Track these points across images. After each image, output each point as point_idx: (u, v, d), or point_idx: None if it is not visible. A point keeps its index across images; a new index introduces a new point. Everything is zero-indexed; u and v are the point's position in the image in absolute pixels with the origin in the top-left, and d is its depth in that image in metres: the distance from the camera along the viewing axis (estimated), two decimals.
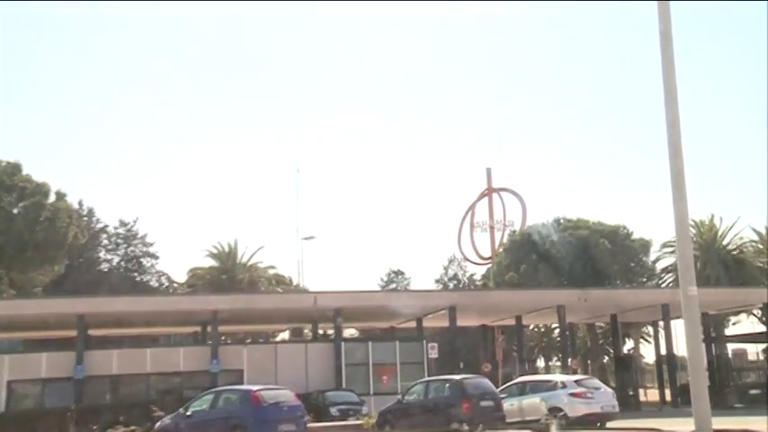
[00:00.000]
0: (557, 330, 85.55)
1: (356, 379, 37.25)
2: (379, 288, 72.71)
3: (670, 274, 55.95)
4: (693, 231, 56.07)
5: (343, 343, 37.75)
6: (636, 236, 55.89)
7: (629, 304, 41.99)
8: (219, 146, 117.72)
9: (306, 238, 54.52)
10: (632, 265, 55.70)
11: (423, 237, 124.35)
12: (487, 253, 66.89)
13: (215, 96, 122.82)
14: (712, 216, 57.21)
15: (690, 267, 15.22)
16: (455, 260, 78.30)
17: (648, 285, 55.14)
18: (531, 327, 73.96)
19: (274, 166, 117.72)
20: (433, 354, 38.00)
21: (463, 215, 71.61)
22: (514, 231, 60.65)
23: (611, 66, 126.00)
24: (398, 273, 79.68)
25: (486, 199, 72.14)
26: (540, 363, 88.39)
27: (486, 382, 24.40)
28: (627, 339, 72.01)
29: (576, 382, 25.16)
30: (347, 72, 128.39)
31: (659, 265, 57.39)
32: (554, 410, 24.25)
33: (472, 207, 71.63)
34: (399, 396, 25.12)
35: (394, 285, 77.48)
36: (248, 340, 48.10)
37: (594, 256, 54.00)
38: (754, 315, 54.04)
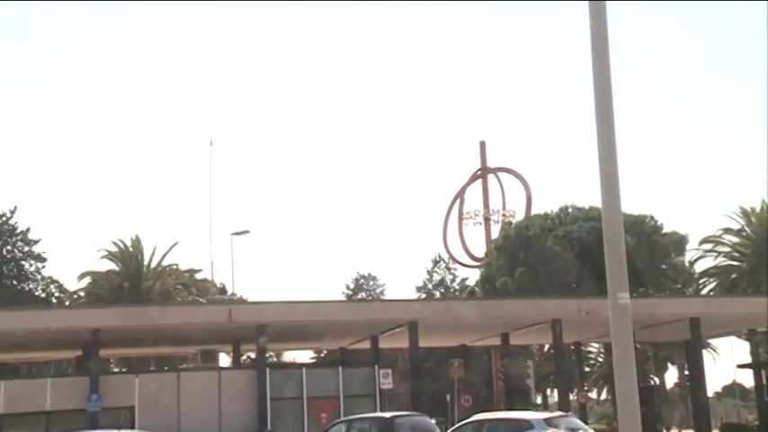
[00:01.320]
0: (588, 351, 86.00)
1: (286, 417, 37.07)
2: (344, 297, 72.72)
3: (712, 279, 55.86)
4: (742, 221, 55.96)
5: (268, 370, 37.39)
6: (667, 229, 55.68)
7: (647, 318, 41.61)
8: (122, 121, 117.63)
9: (237, 234, 54.18)
10: (663, 267, 55.49)
11: (401, 233, 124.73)
12: (481, 251, 66.60)
13: (115, 64, 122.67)
14: None
15: (621, 267, 14.90)
16: (441, 262, 78.20)
17: (686, 293, 54.98)
18: (546, 348, 73.94)
19: (192, 142, 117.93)
20: (386, 383, 37.75)
21: (450, 203, 71.22)
22: (510, 223, 60.29)
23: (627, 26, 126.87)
24: (369, 278, 79.58)
25: (479, 182, 71.80)
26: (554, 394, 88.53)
27: (427, 422, 24.12)
28: (669, 365, 72.15)
29: (546, 421, 24.80)
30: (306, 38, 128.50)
31: (698, 268, 57.37)
32: None
33: (461, 193, 71.14)
34: None
35: (362, 294, 77.40)
36: (152, 368, 47.79)
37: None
38: None
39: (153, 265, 55.01)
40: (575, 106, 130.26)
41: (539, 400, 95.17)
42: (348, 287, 79.09)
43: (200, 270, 62.00)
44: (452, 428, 26.63)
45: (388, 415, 23.94)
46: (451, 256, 71.99)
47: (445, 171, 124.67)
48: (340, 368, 38.98)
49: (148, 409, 35.23)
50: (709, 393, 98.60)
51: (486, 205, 70.42)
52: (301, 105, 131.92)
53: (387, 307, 38.59)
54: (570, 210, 57.57)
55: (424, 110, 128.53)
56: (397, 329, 39.33)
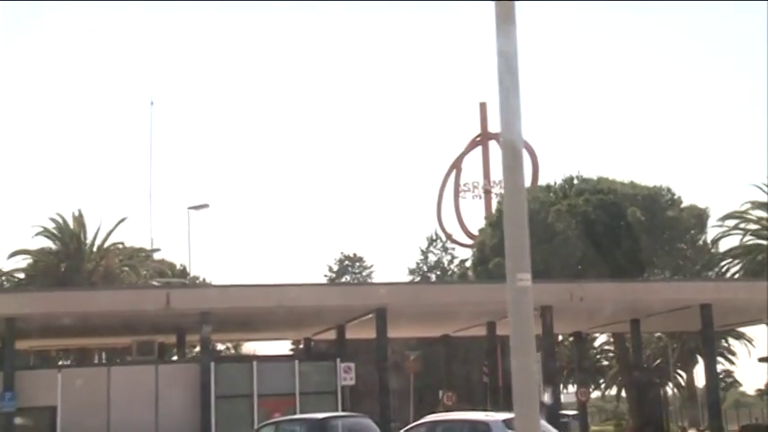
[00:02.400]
0: (598, 342, 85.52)
1: (233, 417, 36.48)
2: (327, 281, 72.11)
3: (737, 261, 54.98)
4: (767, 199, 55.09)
5: (213, 364, 36.71)
6: (685, 203, 54.78)
7: (652, 305, 40.89)
8: (59, 86, 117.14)
9: (195, 208, 53.47)
10: (681, 246, 54.64)
11: (392, 209, 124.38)
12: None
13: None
14: None
15: (522, 244, 14.18)
16: (438, 240, 77.58)
17: (708, 277, 54.09)
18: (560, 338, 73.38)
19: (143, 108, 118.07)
20: (348, 379, 37.15)
21: (445, 174, 70.60)
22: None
23: None
24: (354, 259, 78.97)
25: (478, 150, 71.15)
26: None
27: (365, 423, 23.48)
28: (699, 357, 71.33)
29: (505, 422, 24.08)
30: None
31: (721, 247, 56.43)
32: None
33: (458, 162, 70.64)
34: None
35: (347, 277, 76.80)
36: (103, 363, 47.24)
37: (622, 232, 52.87)
38: None
39: (98, 243, 54.40)
40: (583, 66, 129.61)
41: (546, 398, 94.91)
42: (331, 269, 78.64)
43: (158, 250, 61.49)
44: (403, 430, 26.03)
45: (320, 416, 23.32)
46: (446, 234, 71.57)
47: (441, 137, 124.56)
48: (296, 362, 38.32)
49: (73, 409, 34.66)
50: (750, 391, 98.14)
51: (487, 176, 69.99)
52: (277, 68, 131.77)
53: (350, 292, 37.81)
54: (576, 181, 56.61)
55: (417, 69, 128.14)
56: (365, 317, 38.69)
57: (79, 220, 54.19)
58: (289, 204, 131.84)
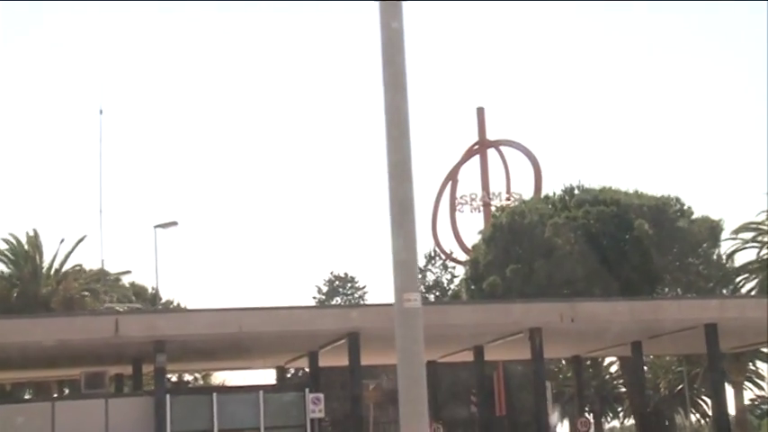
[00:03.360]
0: (614, 367, 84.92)
1: None
2: (316, 303, 71.70)
3: (753, 276, 54.50)
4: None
5: (168, 397, 36.33)
6: (696, 215, 54.36)
7: (653, 325, 40.41)
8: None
9: (162, 226, 53.21)
10: (693, 260, 54.18)
11: (386, 225, 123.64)
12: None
13: None
14: None
15: (410, 265, 14.10)
16: (437, 258, 77.12)
17: (719, 293, 53.63)
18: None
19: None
20: (317, 411, 36.74)
21: (440, 186, 70.09)
22: (502, 210, 59.09)
23: None
24: (346, 279, 78.60)
25: (476, 159, 70.55)
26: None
27: None
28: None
29: None
30: None
31: (736, 262, 55.96)
32: None
33: (454, 173, 70.02)
34: None
35: (338, 299, 76.46)
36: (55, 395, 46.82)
37: (628, 246, 52.43)
38: None
39: (55, 266, 54.10)
40: (588, 70, 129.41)
41: (562, 428, 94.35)
42: (320, 291, 78.28)
43: (128, 272, 61.16)
44: None
45: None
46: (442, 251, 71.05)
47: (436, 146, 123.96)
48: (261, 393, 37.89)
49: None
50: None
51: (486, 187, 69.27)
52: (255, 75, 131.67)
53: (318, 316, 37.40)
54: (577, 191, 56.20)
55: (413, 74, 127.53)
56: (338, 343, 38.30)
57: (34, 240, 53.85)
58: (274, 222, 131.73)
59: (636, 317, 39.40)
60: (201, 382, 53.95)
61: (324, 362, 42.30)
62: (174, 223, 53.24)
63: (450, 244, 70.06)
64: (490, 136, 70.08)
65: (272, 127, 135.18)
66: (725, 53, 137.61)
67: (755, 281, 54.25)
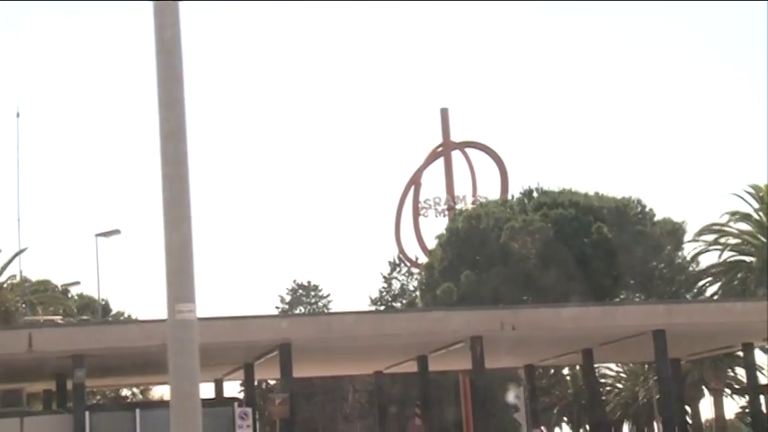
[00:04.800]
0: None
1: None
2: (278, 312, 70.97)
3: (716, 279, 53.88)
4: (756, 203, 53.97)
5: (87, 414, 35.52)
6: (658, 217, 53.75)
7: (597, 332, 39.68)
8: None
9: (103, 234, 52.43)
10: (655, 264, 53.54)
11: (351, 232, 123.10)
12: None
13: None
14: None
15: (185, 274, 13.33)
16: (401, 265, 76.43)
17: (685, 297, 52.98)
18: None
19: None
20: (245, 427, 35.97)
21: (403, 191, 69.47)
22: (460, 213, 58.38)
23: None
24: (309, 288, 78.00)
25: (439, 162, 69.90)
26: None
27: None
28: (705, 390, 69.87)
29: None
30: None
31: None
32: None
33: (416, 177, 69.44)
34: None
35: (301, 308, 75.84)
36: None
37: (588, 250, 51.69)
38: None
39: None
40: (548, 72, 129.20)
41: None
42: (283, 300, 77.70)
43: (77, 283, 60.29)
44: None
45: None
46: (406, 257, 70.31)
47: (399, 150, 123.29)
48: None
49: None
50: None
51: (450, 190, 68.63)
52: (211, 73, 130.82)
53: (244, 326, 36.42)
54: (535, 194, 55.51)
55: (371, 75, 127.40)
56: (271, 355, 37.59)
57: None
58: (237, 230, 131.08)
59: (580, 324, 38.66)
60: (141, 397, 53.13)
61: (261, 374, 41.62)
62: (117, 231, 52.48)
63: (414, 250, 69.45)
64: (454, 137, 69.53)
65: (231, 129, 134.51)
66: (685, 52, 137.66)
67: (718, 284, 53.52)
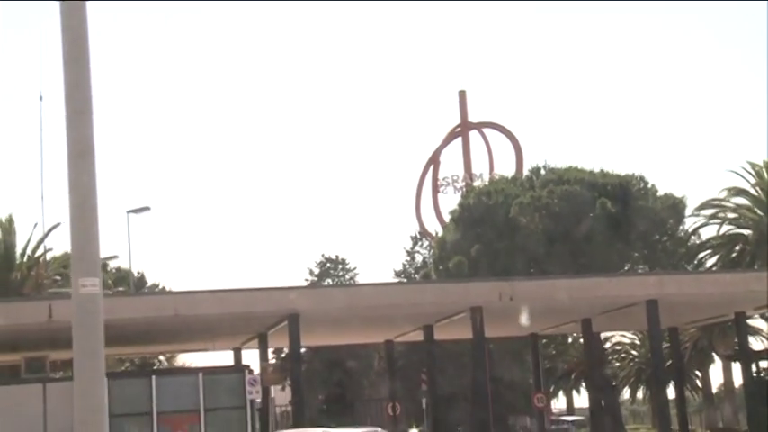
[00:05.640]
0: (609, 343, 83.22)
1: None
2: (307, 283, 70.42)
3: (712, 252, 52.80)
4: (753, 179, 52.75)
5: (106, 380, 34.88)
6: (660, 193, 52.54)
7: (593, 302, 38.81)
8: None
9: (134, 211, 51.95)
10: (657, 237, 52.44)
11: (377, 207, 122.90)
12: None
13: None
14: None
15: (90, 249, 12.80)
16: (424, 239, 75.63)
17: (686, 269, 51.87)
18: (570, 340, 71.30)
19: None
20: (254, 393, 35.35)
21: (423, 169, 68.92)
22: (472, 190, 57.54)
23: None
24: (337, 261, 77.33)
25: (458, 142, 69.23)
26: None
27: None
28: (715, 356, 68.74)
29: None
30: None
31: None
32: None
33: (435, 156, 68.97)
34: None
35: (329, 280, 75.17)
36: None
37: (593, 224, 50.63)
38: None
39: (28, 252, 52.75)
40: (560, 57, 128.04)
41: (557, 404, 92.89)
42: (312, 273, 77.08)
43: (115, 257, 59.78)
44: None
45: None
46: (426, 232, 69.67)
47: (419, 130, 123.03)
48: (200, 375, 36.58)
49: None
50: None
51: (468, 168, 68.07)
52: (244, 54, 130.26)
53: (255, 298, 35.88)
54: (543, 172, 54.53)
55: (390, 60, 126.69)
56: (282, 324, 37.04)
57: (8, 226, 52.53)
58: (265, 206, 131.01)
59: (575, 294, 37.83)
60: (167, 365, 52.69)
61: (273, 343, 41.08)
62: (147, 208, 51.98)
63: (434, 225, 68.87)
64: (472, 118, 68.92)
65: (261, 111, 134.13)
66: (688, 32, 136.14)
67: (716, 257, 52.43)
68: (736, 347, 71.56)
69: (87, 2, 12.73)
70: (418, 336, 43.20)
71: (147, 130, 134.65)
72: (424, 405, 57.29)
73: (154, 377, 36.39)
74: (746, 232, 52.21)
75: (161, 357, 53.54)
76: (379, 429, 24.56)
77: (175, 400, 35.65)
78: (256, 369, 41.55)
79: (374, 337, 46.02)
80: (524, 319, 38.16)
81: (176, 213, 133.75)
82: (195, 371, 37.97)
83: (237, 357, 43.84)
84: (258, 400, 36.19)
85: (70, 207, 12.44)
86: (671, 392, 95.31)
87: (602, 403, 46.40)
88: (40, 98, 42.38)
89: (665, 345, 74.50)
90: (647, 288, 38.15)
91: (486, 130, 68.65)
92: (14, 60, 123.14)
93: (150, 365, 51.72)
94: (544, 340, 60.39)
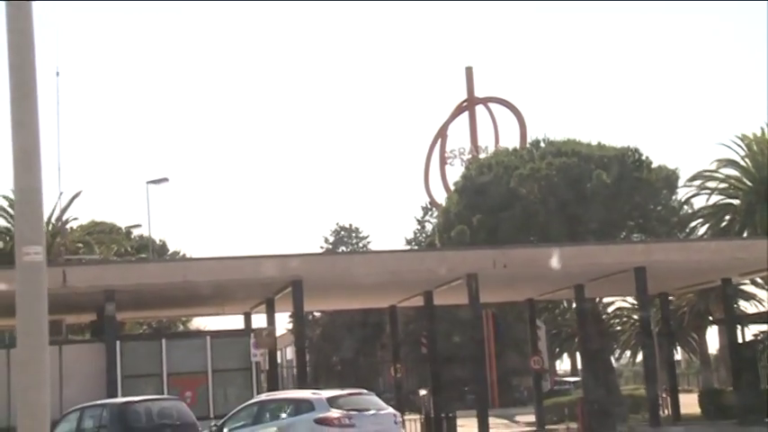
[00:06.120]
0: (611, 309, 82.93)
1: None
2: (323, 251, 70.48)
3: (703, 221, 52.43)
4: (743, 151, 52.30)
5: (119, 343, 35.23)
6: (654, 165, 52.02)
7: (590, 269, 38.68)
8: None
9: (154, 182, 52.10)
10: (651, 207, 52.01)
11: (389, 178, 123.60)
12: None
13: None
14: None
15: (34, 216, 12.61)
16: (432, 209, 75.55)
17: (678, 237, 51.51)
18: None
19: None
20: (258, 355, 35.50)
21: (431, 143, 68.63)
22: (475, 162, 57.26)
23: None
24: (350, 230, 77.41)
25: (465, 116, 68.90)
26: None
27: (176, 407, 21.96)
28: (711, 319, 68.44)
29: (329, 399, 22.42)
30: None
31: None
32: None
33: (443, 130, 68.73)
34: None
35: (343, 248, 75.24)
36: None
37: (588, 195, 50.30)
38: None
39: (53, 221, 52.93)
40: (572, 31, 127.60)
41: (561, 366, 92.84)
42: (327, 241, 77.20)
43: (138, 225, 59.97)
44: (235, 410, 24.58)
45: (120, 401, 21.73)
46: (435, 203, 69.48)
47: (430, 104, 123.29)
48: (208, 338, 36.80)
49: None
50: None
51: (474, 141, 67.85)
52: (262, 32, 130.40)
53: (260, 264, 35.83)
54: (542, 144, 54.17)
55: (406, 38, 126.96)
56: (286, 290, 37.09)
57: None
58: (284, 178, 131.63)
59: (566, 262, 37.66)
60: (182, 328, 52.79)
61: (280, 308, 41.13)
62: (166, 179, 52.15)
63: (442, 196, 68.58)
64: (478, 93, 68.62)
65: (279, 89, 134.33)
66: (680, 11, 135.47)
67: (707, 225, 52.13)
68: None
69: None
70: (419, 301, 43.16)
71: (167, 105, 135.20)
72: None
73: (164, 340, 36.68)
74: (736, 202, 51.87)
75: (179, 321, 53.63)
76: (365, 391, 24.48)
77: (184, 361, 35.97)
78: None
79: (378, 302, 46.05)
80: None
81: (199, 185, 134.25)
82: (203, 334, 38.26)
83: (248, 321, 43.85)
84: (261, 362, 36.32)
85: (14, 178, 12.34)
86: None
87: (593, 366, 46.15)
88: (57, 74, 42.57)
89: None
90: (635, 255, 38.03)
91: (491, 105, 68.34)
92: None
93: (167, 329, 51.78)
94: (549, 305, 60.44)
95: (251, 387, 35.28)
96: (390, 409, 22.99)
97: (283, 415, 22.83)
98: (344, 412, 22.05)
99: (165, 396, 25.00)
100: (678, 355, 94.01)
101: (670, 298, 65.37)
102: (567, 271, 38.70)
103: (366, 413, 22.32)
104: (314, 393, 23.43)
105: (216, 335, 37.45)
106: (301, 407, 22.56)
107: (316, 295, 39.70)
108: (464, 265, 37.12)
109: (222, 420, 23.93)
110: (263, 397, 24.19)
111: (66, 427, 22.11)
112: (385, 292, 42.02)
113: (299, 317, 36.75)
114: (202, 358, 35.92)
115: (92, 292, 34.84)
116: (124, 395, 34.03)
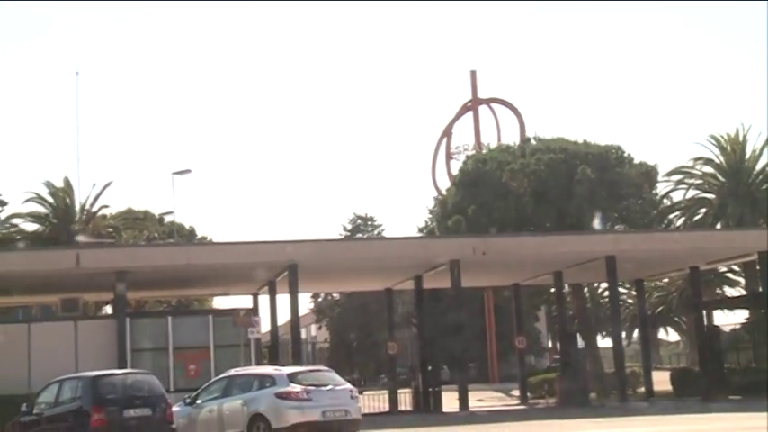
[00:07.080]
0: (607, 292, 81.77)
1: (149, 368, 34.35)
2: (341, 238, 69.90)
3: (680, 214, 51.46)
4: (718, 150, 51.27)
5: (128, 320, 34.83)
6: (636, 161, 51.09)
7: (567, 257, 37.86)
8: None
9: (178, 173, 51.68)
10: (632, 200, 51.07)
11: (401, 170, 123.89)
12: None
13: None
14: (744, 130, 51.56)
15: None
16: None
17: (657, 228, 50.61)
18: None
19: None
20: (255, 332, 34.89)
21: (437, 141, 67.95)
22: (471, 157, 56.50)
23: None
24: (366, 219, 76.72)
25: (469, 116, 68.12)
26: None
27: (147, 381, 21.40)
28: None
29: (290, 375, 21.89)
30: None
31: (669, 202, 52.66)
32: (256, 419, 21.37)
33: (448, 129, 68.13)
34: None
35: (360, 235, 74.61)
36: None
37: (573, 189, 49.41)
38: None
39: (86, 208, 52.76)
40: (573, 34, 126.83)
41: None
42: (345, 229, 76.56)
43: (170, 212, 59.56)
44: (207, 384, 24.14)
45: (94, 374, 21.22)
46: (441, 194, 68.58)
47: (437, 104, 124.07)
48: (210, 316, 36.40)
49: None
50: None
51: (478, 139, 67.05)
52: (272, 34, 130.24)
53: (259, 249, 35.37)
54: (533, 141, 53.39)
55: (410, 38, 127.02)
56: (285, 273, 36.53)
57: (66, 188, 52.53)
58: (306, 170, 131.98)
59: (541, 250, 36.97)
60: (197, 306, 52.32)
61: (281, 289, 40.56)
62: (189, 171, 51.80)
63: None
64: (481, 95, 67.86)
65: (291, 84, 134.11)
66: (666, 10, 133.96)
67: (683, 218, 51.18)
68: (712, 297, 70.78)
69: None
70: (411, 284, 42.52)
71: (190, 100, 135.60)
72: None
73: (170, 318, 36.29)
74: (710, 196, 50.88)
75: (195, 303, 53.27)
76: (324, 368, 23.98)
77: (189, 337, 35.55)
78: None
79: (373, 285, 45.40)
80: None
81: (231, 176, 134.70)
82: (206, 312, 37.78)
83: (255, 301, 43.34)
84: (259, 338, 35.82)
85: None
86: (663, 335, 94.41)
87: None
88: (77, 73, 42.30)
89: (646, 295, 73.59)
90: (605, 245, 37.30)
91: (494, 105, 67.55)
92: (52, 38, 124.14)
93: (186, 307, 51.46)
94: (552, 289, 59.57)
95: (250, 360, 34.72)
96: (347, 385, 22.45)
97: (249, 389, 22.32)
98: (303, 387, 21.56)
99: (139, 371, 24.44)
100: (676, 336, 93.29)
101: (664, 281, 65.04)
102: (542, 258, 38.00)
103: (323, 388, 21.81)
104: (276, 369, 23.03)
105: (217, 313, 37.03)
106: (265, 381, 22.13)
107: (313, 278, 39.18)
108: (447, 252, 36.46)
109: (195, 393, 23.49)
110: (233, 372, 23.66)
111: (46, 396, 21.65)
112: (378, 276, 41.36)
113: (293, 297, 36.14)
114: (205, 334, 35.48)
115: (105, 273, 34.38)
116: (133, 367, 33.83)
